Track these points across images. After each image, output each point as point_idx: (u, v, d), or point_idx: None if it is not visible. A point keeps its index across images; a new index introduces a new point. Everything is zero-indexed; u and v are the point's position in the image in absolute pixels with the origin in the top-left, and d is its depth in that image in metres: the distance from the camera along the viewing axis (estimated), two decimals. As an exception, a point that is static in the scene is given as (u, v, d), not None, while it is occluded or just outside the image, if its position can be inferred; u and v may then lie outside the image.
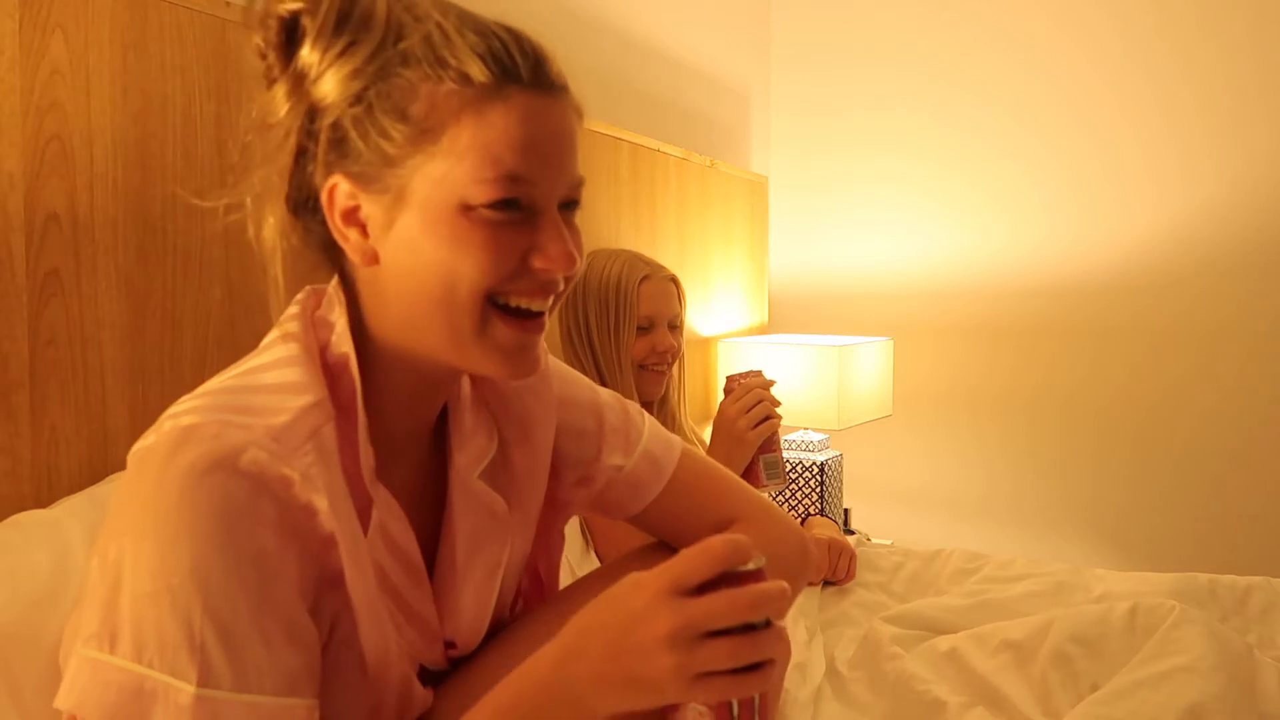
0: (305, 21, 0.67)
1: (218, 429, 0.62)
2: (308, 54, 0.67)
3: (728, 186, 2.60)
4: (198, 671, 0.58)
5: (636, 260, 1.73)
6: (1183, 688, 1.09)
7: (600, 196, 2.02)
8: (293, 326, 0.72)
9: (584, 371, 1.66)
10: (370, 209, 0.68)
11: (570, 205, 0.72)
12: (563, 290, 0.72)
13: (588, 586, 0.83)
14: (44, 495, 1.02)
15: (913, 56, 2.84)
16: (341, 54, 0.67)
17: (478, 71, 0.66)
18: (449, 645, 0.81)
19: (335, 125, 0.67)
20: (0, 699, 0.81)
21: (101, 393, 1.07)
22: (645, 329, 1.70)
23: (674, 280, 1.75)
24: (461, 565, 0.80)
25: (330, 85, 0.67)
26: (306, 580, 0.66)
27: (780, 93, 3.05)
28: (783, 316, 3.03)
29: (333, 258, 0.74)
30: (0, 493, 0.98)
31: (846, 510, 2.56)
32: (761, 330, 2.82)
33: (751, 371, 1.61)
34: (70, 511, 0.96)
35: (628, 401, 0.94)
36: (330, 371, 0.71)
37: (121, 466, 1.08)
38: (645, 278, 1.70)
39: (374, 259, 0.70)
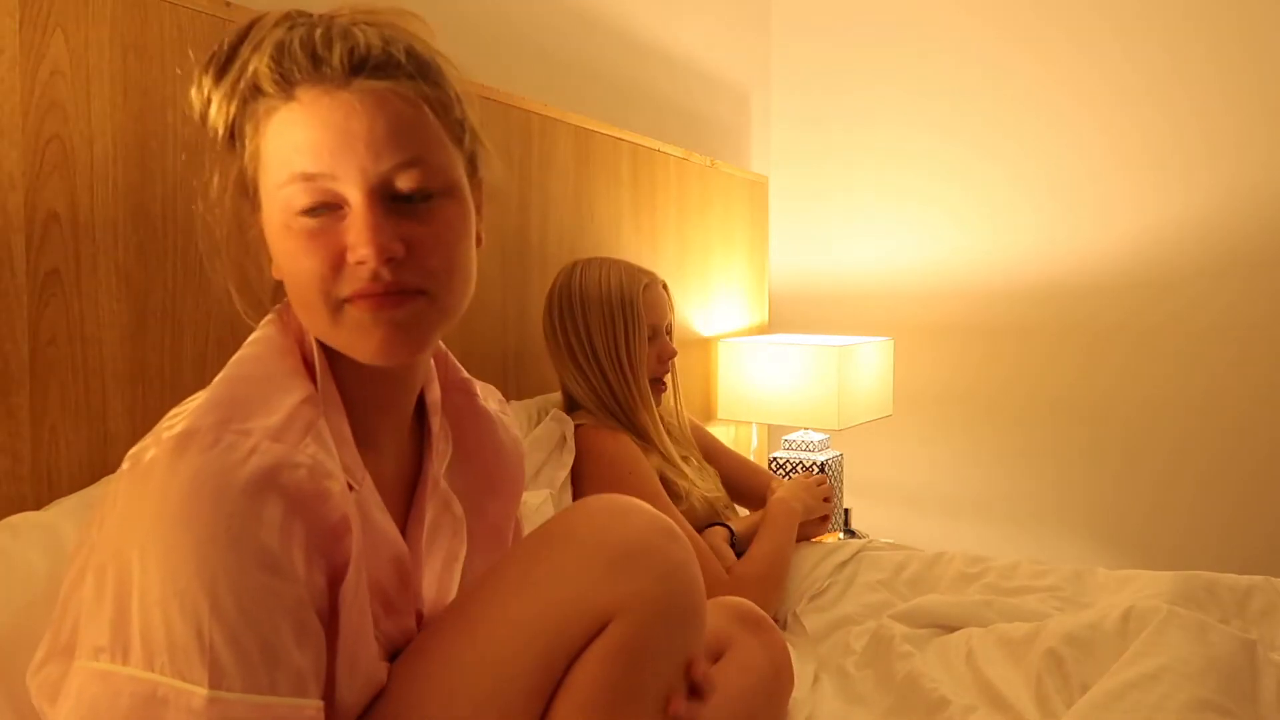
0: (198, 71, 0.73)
1: (216, 434, 0.63)
2: (194, 93, 0.73)
3: (728, 186, 2.60)
4: (208, 674, 0.59)
5: (631, 268, 1.69)
6: (1175, 690, 1.09)
7: (600, 197, 2.02)
8: (269, 330, 0.76)
9: (591, 388, 1.65)
10: (262, 227, 0.74)
11: (404, 196, 0.70)
12: (398, 277, 0.70)
13: (521, 552, 0.82)
14: (44, 495, 1.02)
15: (913, 56, 2.84)
16: (213, 88, 0.72)
17: (267, 83, 0.69)
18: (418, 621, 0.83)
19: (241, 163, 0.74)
20: (-1, 700, 0.81)
21: (101, 393, 1.07)
22: (650, 338, 1.68)
23: (664, 285, 1.75)
24: (424, 553, 0.83)
25: (213, 117, 0.72)
26: (314, 581, 0.66)
27: (780, 93, 3.05)
28: (783, 316, 3.03)
29: None
30: (0, 492, 0.98)
31: (847, 510, 2.56)
32: (761, 330, 2.82)
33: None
34: (66, 514, 0.96)
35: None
36: (312, 372, 0.74)
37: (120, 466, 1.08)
38: (646, 285, 1.68)
39: (277, 272, 0.76)
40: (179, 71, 0.79)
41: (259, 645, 0.61)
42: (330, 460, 0.68)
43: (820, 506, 1.79)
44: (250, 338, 0.75)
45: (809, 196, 3.02)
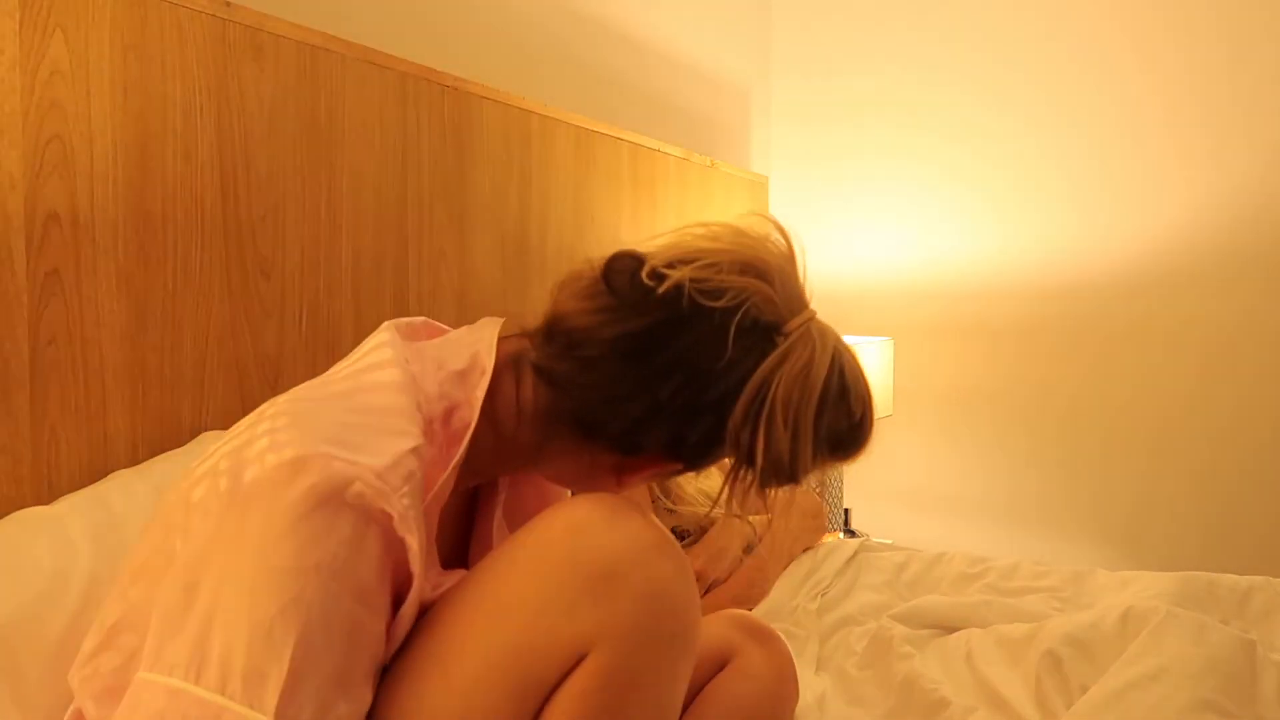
0: None
1: (324, 461, 0.62)
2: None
3: (728, 186, 2.60)
4: (279, 702, 0.58)
5: None
6: (1174, 690, 1.09)
7: (600, 197, 2.02)
8: (393, 373, 0.72)
9: None
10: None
11: None
12: None
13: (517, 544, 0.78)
14: (44, 495, 1.02)
15: (915, 56, 2.84)
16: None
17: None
18: None
19: None
20: (1, 694, 0.81)
21: (101, 393, 1.07)
22: None
23: None
24: None
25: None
26: (390, 616, 0.66)
27: (781, 92, 3.05)
28: (783, 316, 3.03)
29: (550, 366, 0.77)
30: (0, 493, 0.98)
31: (847, 510, 2.56)
32: (762, 330, 2.81)
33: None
34: (72, 508, 0.97)
35: None
36: (435, 422, 0.72)
37: (121, 465, 1.09)
38: None
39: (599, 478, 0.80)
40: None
41: (338, 678, 0.60)
42: (415, 517, 0.66)
43: (819, 538, 1.76)
44: (374, 378, 0.72)
45: (809, 196, 3.02)
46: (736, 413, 0.71)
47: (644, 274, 0.73)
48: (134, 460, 1.11)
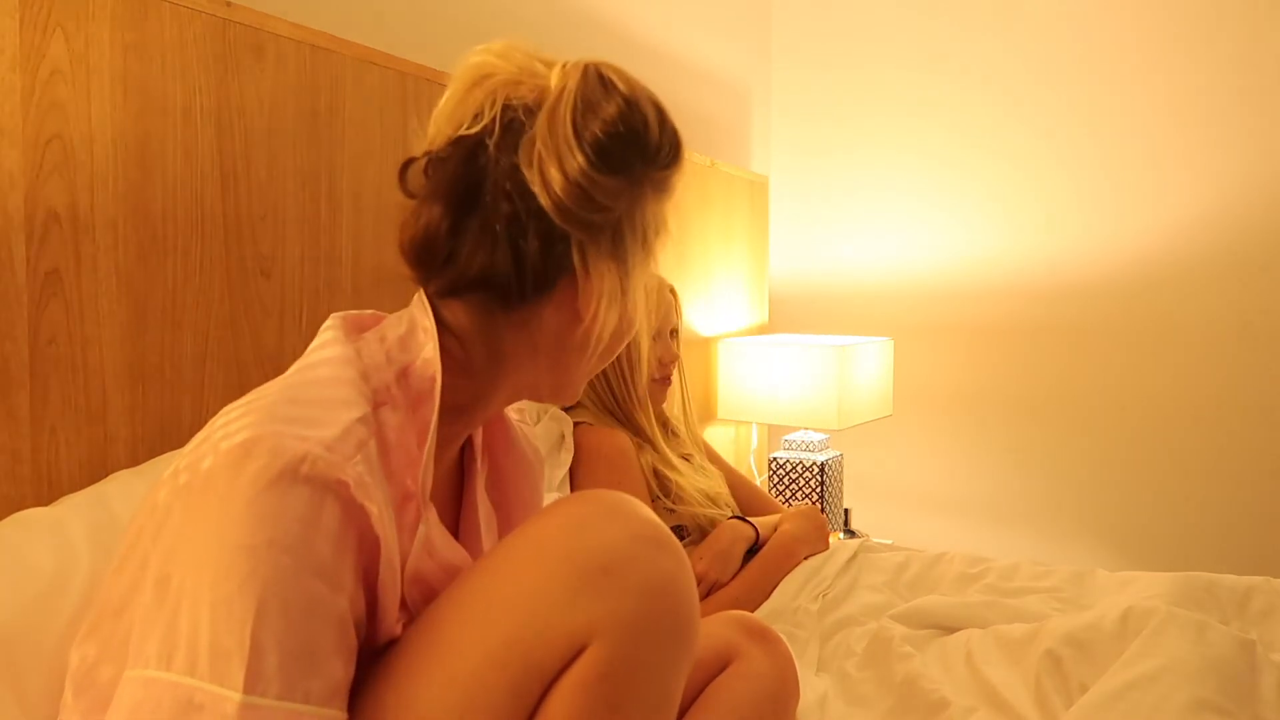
0: None
1: (278, 441, 0.63)
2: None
3: (728, 186, 2.60)
4: (245, 678, 0.58)
5: None
6: (1174, 690, 1.09)
7: (600, 196, 2.02)
8: (336, 350, 0.74)
9: (590, 385, 1.67)
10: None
11: None
12: None
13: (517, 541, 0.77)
14: (44, 495, 1.02)
15: (915, 56, 2.84)
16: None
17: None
18: None
19: None
20: (3, 695, 0.81)
21: (101, 393, 1.07)
22: (653, 339, 1.71)
23: (672, 289, 1.76)
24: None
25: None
26: (356, 589, 0.66)
27: (781, 92, 3.05)
28: (783, 316, 3.03)
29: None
30: (0, 492, 0.98)
31: (847, 510, 2.56)
32: (761, 330, 2.82)
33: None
34: (73, 509, 0.96)
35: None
36: (391, 387, 0.74)
37: (121, 465, 1.09)
38: (651, 288, 1.71)
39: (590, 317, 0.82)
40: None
41: (300, 652, 0.61)
42: (374, 484, 0.67)
43: (822, 547, 1.77)
44: (318, 356, 0.74)
45: (809, 196, 3.02)
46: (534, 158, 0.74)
47: (422, 165, 0.77)
48: (134, 460, 1.11)
